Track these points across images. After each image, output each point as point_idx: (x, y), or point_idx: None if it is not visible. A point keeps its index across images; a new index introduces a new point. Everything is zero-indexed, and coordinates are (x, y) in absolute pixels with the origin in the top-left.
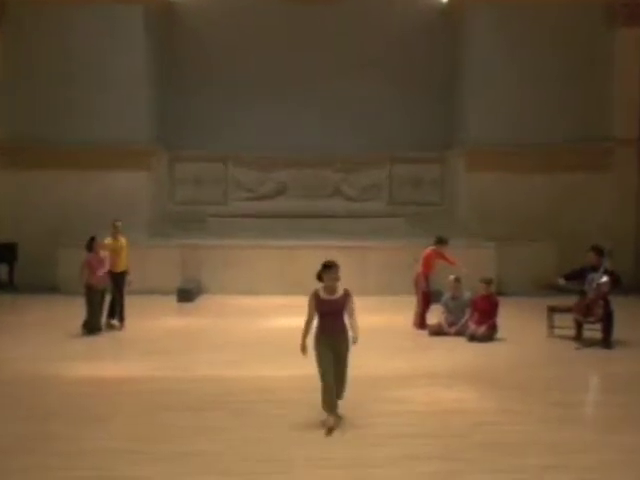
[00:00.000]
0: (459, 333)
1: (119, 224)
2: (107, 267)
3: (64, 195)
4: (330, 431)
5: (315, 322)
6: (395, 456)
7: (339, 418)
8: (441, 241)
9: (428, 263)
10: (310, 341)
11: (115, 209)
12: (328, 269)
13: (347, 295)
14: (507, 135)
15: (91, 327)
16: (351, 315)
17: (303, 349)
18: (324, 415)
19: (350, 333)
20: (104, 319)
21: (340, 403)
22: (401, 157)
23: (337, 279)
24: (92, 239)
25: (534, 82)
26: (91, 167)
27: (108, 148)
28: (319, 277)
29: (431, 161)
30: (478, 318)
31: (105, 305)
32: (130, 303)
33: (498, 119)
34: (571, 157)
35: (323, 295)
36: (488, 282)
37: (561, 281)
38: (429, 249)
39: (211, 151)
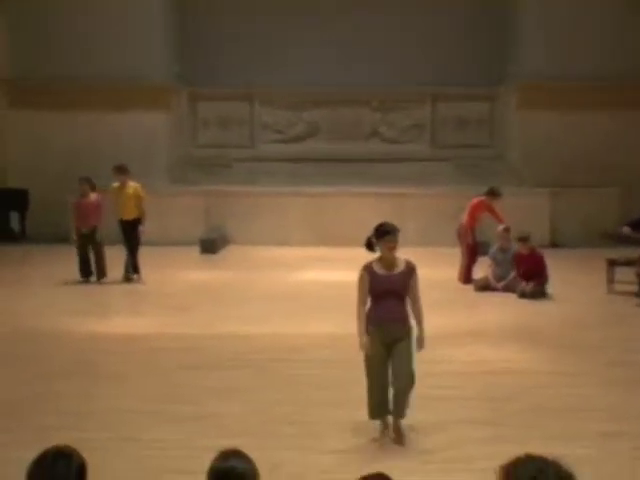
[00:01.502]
0: (508, 288)
1: (124, 170)
2: (97, 212)
3: (76, 137)
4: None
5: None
6: (436, 421)
7: (400, 433)
8: (493, 193)
9: (474, 214)
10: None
11: (132, 153)
12: (386, 234)
13: (411, 270)
14: (565, 69)
15: (82, 272)
16: (416, 301)
17: (363, 345)
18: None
19: (413, 328)
20: (122, 271)
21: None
22: (445, 94)
23: (395, 248)
24: (82, 181)
25: (596, 10)
26: (104, 106)
27: (122, 85)
28: (369, 245)
29: (478, 98)
30: (524, 276)
31: (96, 252)
32: (149, 255)
33: (556, 50)
34: (637, 93)
35: (378, 270)
36: (525, 239)
37: (626, 230)
38: (477, 199)
39: (236, 88)
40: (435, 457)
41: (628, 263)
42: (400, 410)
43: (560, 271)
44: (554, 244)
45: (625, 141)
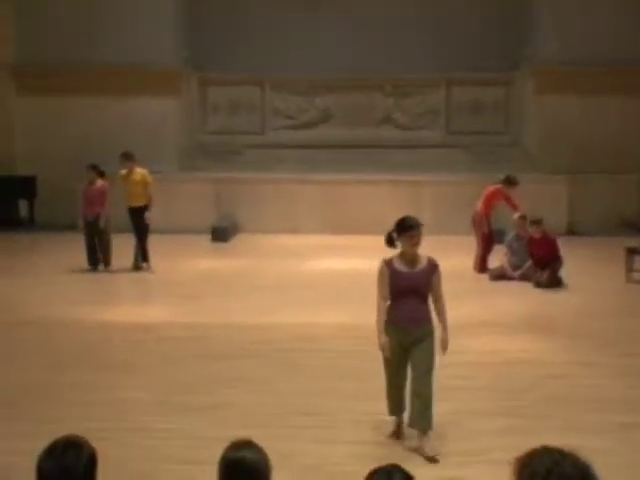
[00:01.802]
0: (524, 277)
1: (131, 156)
2: (103, 199)
3: (85, 124)
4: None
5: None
6: (452, 411)
7: (423, 448)
8: (510, 181)
9: (490, 202)
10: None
11: (141, 139)
12: (408, 229)
13: (433, 267)
14: (582, 52)
15: (89, 260)
16: (438, 299)
17: (383, 347)
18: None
19: (436, 328)
20: (131, 260)
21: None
22: (460, 78)
23: (419, 243)
24: (88, 168)
25: None
26: (113, 92)
27: (131, 70)
28: (389, 240)
29: (494, 83)
30: (538, 264)
31: (100, 240)
32: (158, 243)
33: (572, 34)
34: None
35: (399, 266)
36: (537, 222)
37: None
38: (493, 187)
39: (247, 73)
40: (450, 448)
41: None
42: (424, 424)
43: (577, 260)
44: (571, 232)
45: None
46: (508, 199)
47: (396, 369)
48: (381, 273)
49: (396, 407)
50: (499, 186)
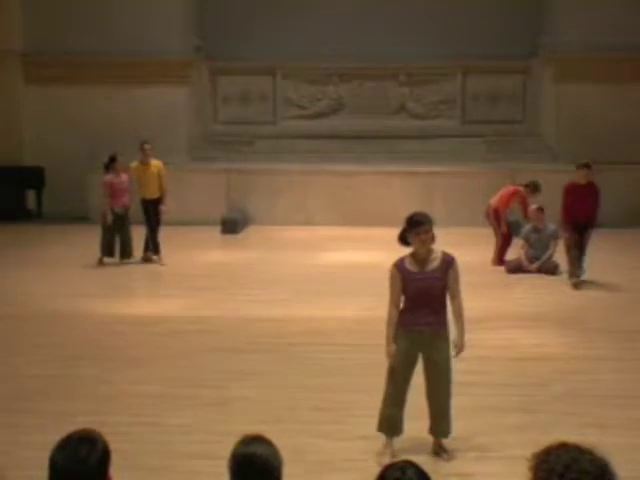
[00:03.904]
0: (542, 270)
1: (148, 147)
2: (129, 191)
3: (93, 113)
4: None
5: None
6: (469, 407)
7: (443, 450)
8: (535, 187)
9: (508, 202)
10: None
11: (151, 129)
12: (418, 225)
13: (449, 264)
14: (601, 39)
15: (105, 249)
16: (455, 296)
17: (390, 353)
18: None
19: (451, 330)
20: (142, 252)
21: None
22: (476, 67)
23: (432, 240)
24: (112, 159)
25: None
26: (122, 81)
27: (141, 59)
28: (403, 239)
29: (511, 71)
30: (570, 217)
31: (125, 232)
32: (169, 235)
33: (591, 20)
34: None
35: (411, 267)
36: (587, 166)
37: None
38: (514, 187)
39: (258, 62)
40: (466, 444)
41: None
42: (443, 429)
43: (597, 252)
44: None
45: None
46: (524, 203)
47: (400, 382)
48: (392, 277)
49: (388, 422)
50: (520, 188)
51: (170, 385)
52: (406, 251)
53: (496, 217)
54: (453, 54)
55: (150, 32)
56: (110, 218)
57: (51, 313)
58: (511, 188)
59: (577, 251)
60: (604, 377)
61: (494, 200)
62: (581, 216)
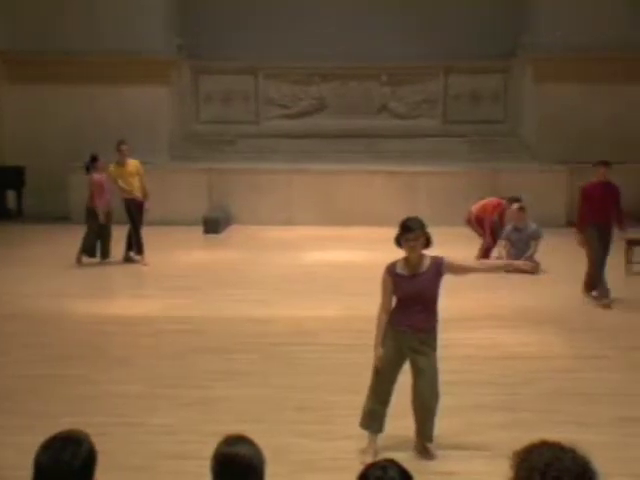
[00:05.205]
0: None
1: (124, 147)
2: (109, 190)
3: (75, 113)
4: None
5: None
6: (453, 406)
7: (429, 454)
8: (521, 207)
9: (490, 213)
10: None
11: (133, 129)
12: (406, 232)
13: (438, 266)
14: (582, 38)
15: (88, 250)
16: (471, 268)
17: (379, 359)
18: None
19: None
20: (123, 252)
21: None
22: (457, 67)
23: (420, 246)
24: (93, 159)
25: None
26: (104, 80)
27: (122, 58)
28: (398, 241)
29: (492, 71)
30: (587, 215)
31: (107, 232)
32: (151, 235)
33: (571, 20)
34: None
35: (402, 271)
36: (606, 163)
37: None
38: (497, 200)
39: (240, 62)
40: (450, 443)
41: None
42: (427, 432)
43: (577, 252)
44: (571, 223)
45: None
46: (502, 216)
47: (386, 380)
48: (383, 281)
49: (370, 416)
50: (504, 202)
51: (154, 385)
52: (387, 250)
53: (479, 224)
54: (435, 54)
55: (132, 31)
56: (103, 217)
57: (35, 313)
58: (494, 200)
59: (601, 268)
60: (587, 375)
61: (475, 208)
62: (602, 218)
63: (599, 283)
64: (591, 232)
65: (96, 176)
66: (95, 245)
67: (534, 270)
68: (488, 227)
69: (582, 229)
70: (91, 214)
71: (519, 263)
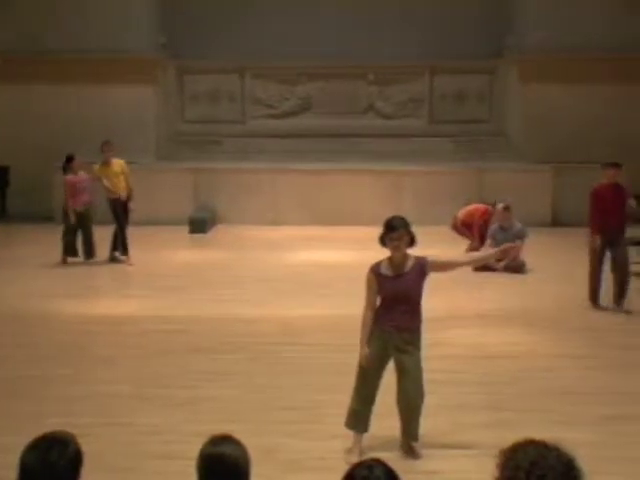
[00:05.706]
0: (509, 269)
1: (109, 147)
2: (89, 189)
3: (59, 112)
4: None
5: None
6: (437, 405)
7: (415, 454)
8: (506, 206)
9: (479, 219)
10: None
11: (118, 129)
12: (390, 231)
13: (421, 266)
14: (568, 39)
15: (68, 249)
16: (456, 263)
17: (364, 358)
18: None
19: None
20: (107, 251)
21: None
22: (443, 66)
23: (405, 245)
24: (68, 159)
25: None
26: (88, 80)
27: (106, 58)
28: (383, 240)
29: (478, 71)
30: (598, 217)
31: (88, 231)
32: (136, 234)
33: (557, 21)
34: None
35: (386, 270)
36: (617, 165)
37: (631, 203)
38: (484, 207)
39: (226, 61)
40: (435, 442)
41: (637, 242)
42: (412, 431)
43: (564, 251)
44: (556, 223)
45: (630, 115)
46: (487, 222)
47: (371, 380)
48: (367, 281)
49: (356, 416)
50: (490, 208)
51: (140, 385)
52: (374, 250)
53: (467, 228)
54: (421, 54)
55: (117, 31)
56: (73, 218)
57: (21, 313)
58: (482, 207)
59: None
60: (572, 374)
61: (462, 213)
62: (613, 221)
63: (623, 293)
64: (598, 242)
65: (69, 177)
66: (74, 244)
67: (512, 254)
68: (477, 232)
69: (594, 232)
70: (66, 214)
71: (502, 248)
